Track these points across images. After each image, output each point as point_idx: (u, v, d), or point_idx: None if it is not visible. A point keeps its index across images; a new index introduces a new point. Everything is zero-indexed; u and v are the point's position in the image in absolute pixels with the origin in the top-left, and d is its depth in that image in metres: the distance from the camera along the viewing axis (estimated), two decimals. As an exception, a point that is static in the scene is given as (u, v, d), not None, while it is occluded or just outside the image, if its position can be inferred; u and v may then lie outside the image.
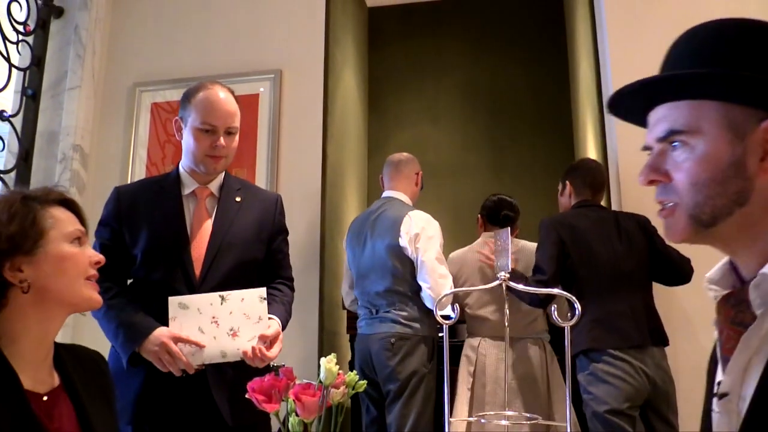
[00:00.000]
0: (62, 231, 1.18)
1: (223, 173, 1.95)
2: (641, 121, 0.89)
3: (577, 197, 2.64)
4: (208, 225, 1.84)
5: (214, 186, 1.92)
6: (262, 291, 1.73)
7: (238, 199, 1.91)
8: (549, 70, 4.80)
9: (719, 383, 0.81)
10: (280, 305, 1.87)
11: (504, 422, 1.44)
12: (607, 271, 2.38)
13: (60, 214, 1.21)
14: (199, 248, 1.81)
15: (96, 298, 1.23)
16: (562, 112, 4.65)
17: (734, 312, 0.80)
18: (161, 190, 1.89)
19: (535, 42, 4.91)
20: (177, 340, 1.65)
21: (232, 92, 1.92)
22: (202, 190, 1.90)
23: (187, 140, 1.87)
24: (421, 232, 2.71)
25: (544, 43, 4.88)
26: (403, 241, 2.72)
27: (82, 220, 1.27)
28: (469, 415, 2.64)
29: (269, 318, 1.74)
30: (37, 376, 1.16)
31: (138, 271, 1.82)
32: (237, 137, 1.91)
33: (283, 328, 1.81)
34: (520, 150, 4.74)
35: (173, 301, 1.69)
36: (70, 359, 1.26)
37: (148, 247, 1.80)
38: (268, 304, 1.76)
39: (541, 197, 4.35)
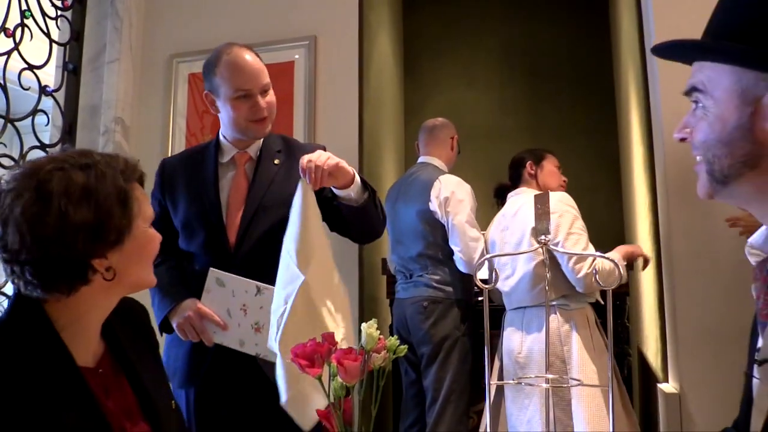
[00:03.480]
0: (145, 214, 1.13)
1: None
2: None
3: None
4: (246, 190, 1.83)
5: (253, 150, 1.88)
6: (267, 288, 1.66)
7: (276, 161, 1.86)
8: (588, 28, 4.66)
9: (759, 349, 0.81)
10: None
11: (545, 385, 1.44)
12: None
13: (140, 193, 1.14)
14: (234, 214, 1.79)
15: (153, 280, 1.19)
16: (603, 72, 4.53)
17: None
18: (201, 160, 1.90)
19: (574, 1, 4.78)
20: (203, 315, 1.67)
21: (252, 49, 1.86)
22: (240, 156, 1.88)
23: (226, 111, 1.83)
24: (450, 196, 2.72)
25: (584, 3, 4.74)
26: (433, 206, 2.74)
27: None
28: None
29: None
30: (89, 350, 1.13)
31: (181, 241, 1.85)
32: (272, 92, 1.86)
33: (365, 188, 1.71)
34: (558, 112, 4.65)
35: (213, 274, 1.70)
36: (115, 319, 1.20)
37: (185, 217, 1.82)
38: None
39: (581, 160, 4.27)
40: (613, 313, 1.45)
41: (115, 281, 1.07)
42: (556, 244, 2.35)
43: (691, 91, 0.88)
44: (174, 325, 1.71)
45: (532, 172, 2.72)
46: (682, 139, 0.91)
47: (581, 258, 2.32)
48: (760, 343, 0.81)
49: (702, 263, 2.34)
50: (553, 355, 2.31)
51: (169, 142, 3.18)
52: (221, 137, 1.91)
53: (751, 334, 0.90)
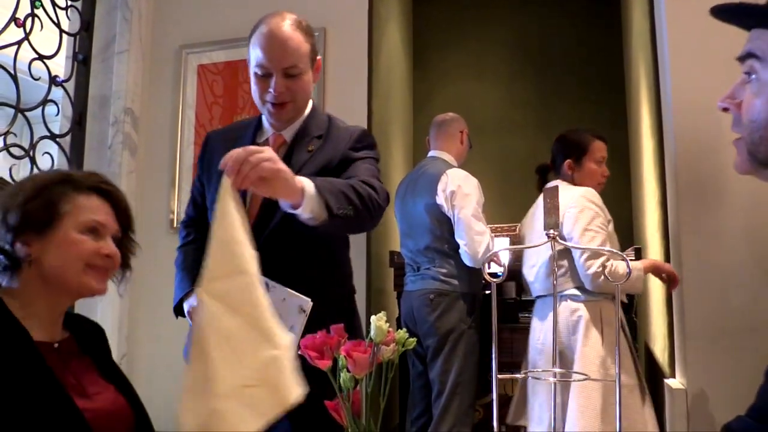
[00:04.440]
0: (77, 218, 1.22)
1: (306, 115, 1.72)
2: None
3: None
4: None
5: (289, 134, 1.71)
6: (306, 302, 1.54)
7: (310, 148, 1.67)
8: (599, 20, 4.63)
9: None
10: (332, 180, 1.47)
11: (551, 379, 1.44)
12: None
13: (86, 201, 1.25)
14: (256, 202, 1.65)
15: (95, 288, 1.25)
16: (613, 65, 4.50)
17: None
18: (241, 137, 1.75)
19: (585, -8, 4.74)
20: None
21: (301, 22, 1.66)
22: (275, 138, 1.72)
23: (251, 84, 1.67)
24: (457, 190, 2.72)
25: (594, -7, 4.70)
26: (440, 199, 2.75)
27: (118, 211, 1.30)
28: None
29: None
30: (48, 330, 1.24)
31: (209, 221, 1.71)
32: (304, 77, 1.65)
33: (326, 198, 1.38)
34: (569, 106, 4.62)
35: None
36: (76, 322, 1.35)
37: (212, 198, 1.70)
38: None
39: (591, 153, 4.24)
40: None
41: (43, 274, 1.20)
42: (572, 238, 2.37)
43: (746, 57, 0.80)
44: (185, 311, 1.67)
45: (569, 172, 2.64)
46: (725, 109, 0.84)
47: (594, 254, 2.31)
48: None
49: (711, 258, 2.33)
50: (561, 344, 2.34)
51: (178, 133, 3.19)
52: (263, 115, 1.77)
53: None
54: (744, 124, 0.80)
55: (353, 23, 3.09)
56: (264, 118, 1.76)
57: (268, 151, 1.26)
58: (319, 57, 1.74)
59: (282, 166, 1.28)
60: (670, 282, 2.41)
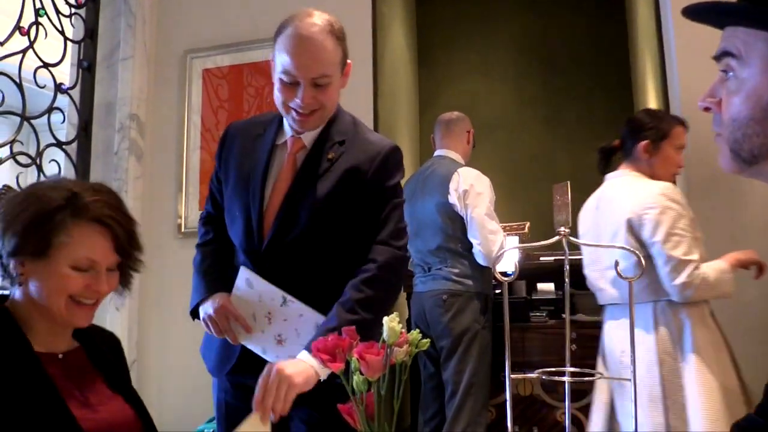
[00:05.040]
0: (72, 254, 1.19)
1: (330, 119, 1.62)
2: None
3: None
4: (287, 186, 1.58)
5: (309, 138, 1.60)
6: (322, 319, 1.48)
7: (331, 155, 1.56)
8: (605, 18, 4.61)
9: None
10: (339, 318, 1.42)
11: (565, 379, 1.42)
12: None
13: (85, 235, 1.21)
14: (272, 210, 1.57)
15: (75, 323, 1.25)
16: (620, 61, 4.48)
17: None
18: (262, 134, 1.66)
19: (590, -12, 4.72)
20: (229, 314, 1.57)
21: (333, 25, 1.53)
22: (294, 142, 1.61)
23: (275, 87, 1.56)
24: (470, 189, 2.71)
25: (599, -11, 4.68)
26: (452, 198, 2.73)
27: (120, 240, 1.24)
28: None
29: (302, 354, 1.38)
30: (52, 341, 1.24)
31: (226, 225, 1.69)
32: (333, 86, 1.54)
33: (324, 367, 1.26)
34: (576, 103, 4.60)
35: (243, 273, 1.58)
36: (90, 333, 1.35)
37: (229, 200, 1.66)
38: (335, 308, 1.46)
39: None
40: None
41: (32, 295, 1.20)
42: (653, 245, 2.06)
43: (722, 55, 0.80)
44: (201, 318, 1.63)
45: (645, 156, 2.25)
46: (706, 109, 0.83)
47: (680, 263, 2.01)
48: None
49: (724, 253, 2.30)
50: (663, 353, 2.04)
51: (184, 138, 3.19)
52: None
53: None
54: (725, 122, 0.79)
55: (357, 24, 3.08)
56: (285, 119, 1.65)
57: (280, 382, 1.28)
58: (349, 61, 1.63)
59: (300, 381, 1.30)
60: (761, 271, 2.15)
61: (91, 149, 3.10)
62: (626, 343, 2.05)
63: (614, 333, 2.20)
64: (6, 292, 1.27)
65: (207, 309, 1.61)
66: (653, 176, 2.23)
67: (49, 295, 1.20)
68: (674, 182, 2.24)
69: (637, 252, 1.43)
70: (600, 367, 2.25)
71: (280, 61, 1.50)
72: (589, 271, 2.33)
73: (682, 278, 2.00)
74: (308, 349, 1.34)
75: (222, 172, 1.70)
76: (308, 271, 1.57)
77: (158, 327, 3.03)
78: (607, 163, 2.41)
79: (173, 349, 2.94)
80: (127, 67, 3.15)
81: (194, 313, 1.68)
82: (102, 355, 1.34)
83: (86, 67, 3.14)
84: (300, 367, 1.32)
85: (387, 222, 1.56)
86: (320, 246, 1.55)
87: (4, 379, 1.11)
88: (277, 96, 1.55)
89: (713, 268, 2.03)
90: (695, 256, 2.02)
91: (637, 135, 2.29)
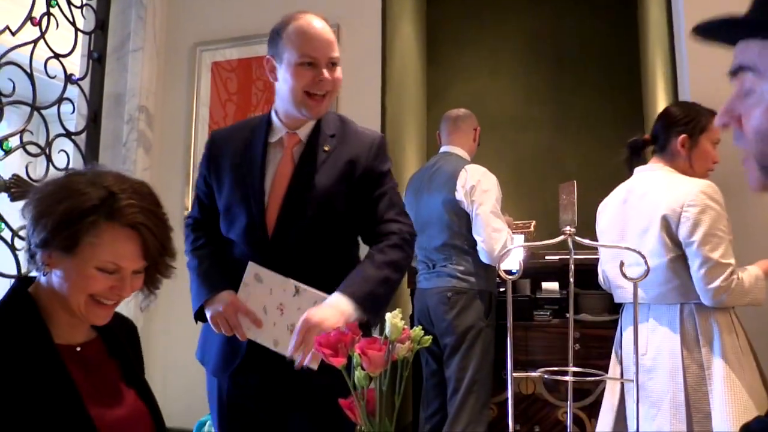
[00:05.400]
0: (97, 256, 1.17)
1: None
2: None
3: None
4: (289, 177, 1.67)
5: (304, 133, 1.71)
6: None
7: (326, 147, 1.68)
8: (616, 16, 4.59)
9: None
10: (366, 273, 1.57)
11: (567, 378, 1.42)
12: None
13: (112, 238, 1.18)
14: (275, 203, 1.66)
15: (92, 321, 1.24)
16: (630, 60, 4.46)
17: None
18: (250, 137, 1.75)
19: (601, -13, 4.70)
20: (238, 310, 1.60)
21: (325, 19, 1.71)
22: (290, 138, 1.71)
23: (285, 80, 1.66)
24: (477, 185, 2.70)
25: (610, -13, 4.66)
26: (459, 195, 2.72)
27: (151, 245, 1.23)
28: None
29: (331, 300, 1.51)
30: (72, 332, 1.24)
31: (222, 226, 1.74)
32: (340, 69, 1.70)
33: (367, 307, 1.50)
34: (584, 101, 4.59)
35: (252, 268, 1.61)
36: (113, 324, 1.33)
37: (228, 201, 1.71)
38: (359, 266, 1.59)
39: (607, 150, 4.20)
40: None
41: (58, 285, 1.19)
42: (690, 244, 1.96)
43: (738, 70, 0.78)
44: (208, 316, 1.64)
45: (682, 150, 2.13)
46: (725, 125, 0.80)
47: (718, 266, 1.92)
48: None
49: (735, 254, 2.27)
50: (689, 359, 1.97)
51: (192, 130, 3.20)
52: (273, 114, 1.76)
53: None
54: (748, 138, 0.77)
55: (367, 19, 3.08)
56: (275, 118, 1.75)
57: (319, 321, 1.42)
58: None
59: (328, 325, 1.40)
60: None
61: (100, 140, 3.12)
62: (648, 345, 2.03)
63: (632, 334, 2.03)
64: (34, 274, 1.27)
65: (215, 307, 1.62)
66: (689, 172, 2.13)
67: (71, 291, 1.19)
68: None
69: (641, 252, 1.42)
70: (614, 368, 2.20)
71: (295, 49, 1.63)
72: (609, 267, 2.24)
73: (717, 282, 1.91)
74: (342, 291, 1.50)
75: (213, 178, 1.75)
76: (315, 256, 1.64)
77: (164, 319, 3.05)
78: (637, 158, 2.30)
79: (178, 340, 2.96)
80: (136, 58, 3.16)
81: (198, 315, 1.69)
82: (119, 344, 1.34)
83: (96, 59, 3.15)
84: (327, 312, 1.45)
85: (392, 203, 1.69)
86: (326, 232, 1.65)
87: (25, 373, 1.11)
88: (292, 84, 1.64)
89: (749, 274, 1.95)
90: (732, 260, 1.94)
91: (672, 129, 2.16)
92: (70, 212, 1.16)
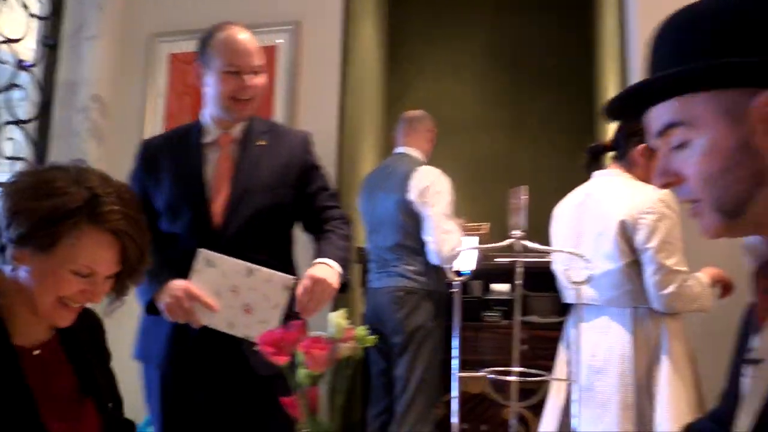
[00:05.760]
0: (73, 258, 1.13)
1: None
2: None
3: None
4: (230, 172, 1.80)
5: (237, 131, 1.86)
6: (290, 280, 1.64)
7: (262, 142, 1.85)
8: (573, 27, 4.69)
9: (751, 349, 0.81)
10: (335, 243, 1.77)
11: (512, 378, 1.46)
12: None
13: (91, 242, 1.14)
14: (220, 197, 1.77)
15: (57, 323, 1.19)
16: (585, 71, 4.56)
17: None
18: (184, 140, 1.87)
19: (559, -4, 4.80)
20: (191, 296, 1.62)
21: (250, 30, 1.86)
22: (224, 137, 1.84)
23: (212, 86, 1.81)
24: (429, 187, 2.73)
25: (568, -3, 4.76)
26: (412, 196, 2.75)
27: (129, 251, 1.19)
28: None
29: (321, 263, 1.67)
30: (31, 331, 1.19)
31: (162, 224, 1.80)
32: (264, 76, 1.85)
33: (344, 267, 1.71)
34: (540, 107, 4.68)
35: (202, 254, 1.65)
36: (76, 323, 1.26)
37: (169, 200, 1.79)
38: (323, 241, 1.77)
39: (560, 156, 4.30)
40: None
41: (20, 286, 1.14)
42: (646, 251, 2.00)
43: (666, 129, 0.80)
44: (161, 306, 1.65)
45: (641, 160, 2.15)
46: (666, 185, 0.83)
47: (671, 273, 1.96)
48: (756, 343, 0.82)
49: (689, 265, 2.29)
50: (639, 362, 2.00)
51: (147, 122, 3.15)
52: (204, 117, 1.88)
53: (741, 330, 0.90)
54: (697, 188, 0.79)
55: (328, 18, 3.08)
56: (206, 121, 1.87)
57: (326, 290, 1.61)
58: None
59: (335, 281, 1.65)
60: (725, 291, 2.14)
61: (51, 129, 3.05)
62: (598, 347, 2.07)
63: (586, 335, 2.12)
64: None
65: (169, 295, 1.64)
66: (647, 180, 2.14)
67: (39, 291, 1.14)
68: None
69: (585, 257, 1.47)
70: (561, 367, 2.23)
71: (222, 58, 1.78)
72: (559, 268, 2.28)
73: (670, 288, 1.96)
74: (327, 256, 1.69)
75: (151, 181, 1.84)
76: (261, 246, 1.76)
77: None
78: (596, 163, 2.33)
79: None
80: (92, 46, 3.10)
81: (149, 308, 1.69)
82: (78, 347, 1.28)
83: (50, 45, 3.08)
84: (327, 271, 1.64)
85: (331, 194, 1.92)
86: (271, 221, 1.80)
87: None
88: (219, 89, 1.79)
89: (698, 281, 2.00)
90: (685, 268, 1.98)
91: (632, 138, 2.18)
92: (53, 211, 1.11)
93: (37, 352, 1.19)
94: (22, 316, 1.17)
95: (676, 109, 0.79)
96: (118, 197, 1.18)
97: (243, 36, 1.81)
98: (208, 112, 1.87)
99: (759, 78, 0.74)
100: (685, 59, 0.77)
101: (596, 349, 2.06)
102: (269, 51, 3.06)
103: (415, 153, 2.96)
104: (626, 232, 2.02)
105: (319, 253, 1.72)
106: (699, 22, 0.78)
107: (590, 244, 2.11)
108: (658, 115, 0.82)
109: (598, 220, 2.13)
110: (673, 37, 0.81)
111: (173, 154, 1.85)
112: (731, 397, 0.86)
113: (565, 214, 2.29)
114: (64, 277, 1.14)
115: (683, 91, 0.78)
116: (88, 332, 1.33)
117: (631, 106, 0.86)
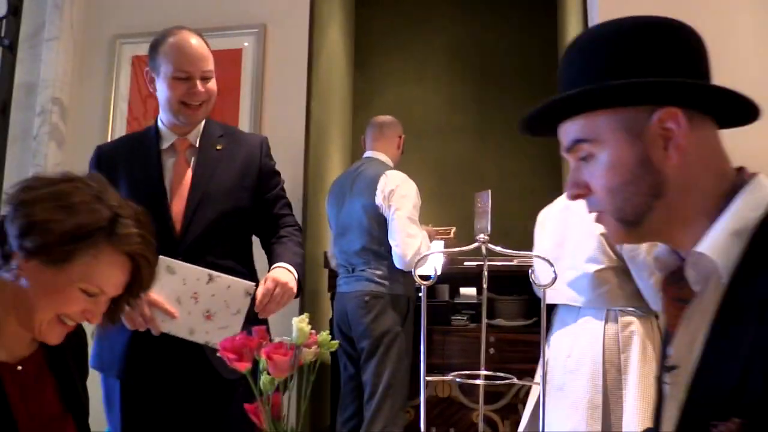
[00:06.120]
0: (86, 277, 1.08)
1: (204, 121, 1.88)
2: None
3: None
4: (188, 177, 1.79)
5: (193, 136, 1.85)
6: (251, 286, 1.64)
7: (219, 147, 1.84)
8: (538, 32, 4.75)
9: (667, 356, 0.84)
10: (292, 249, 1.79)
11: (479, 381, 1.46)
12: None
13: (108, 263, 1.10)
14: (179, 202, 1.76)
15: (47, 338, 1.12)
16: (550, 76, 4.62)
17: (676, 289, 0.85)
18: (140, 146, 1.85)
19: (524, 2, 4.85)
20: (151, 303, 1.59)
21: (201, 36, 1.85)
22: (181, 142, 1.84)
23: (162, 91, 1.80)
24: (395, 190, 2.73)
25: (533, 4, 4.82)
26: (378, 200, 2.75)
27: (138, 276, 1.15)
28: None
29: (281, 267, 1.68)
30: (15, 346, 1.14)
31: None
32: (214, 81, 1.83)
33: (299, 273, 1.72)
34: (506, 112, 4.71)
35: (162, 261, 1.58)
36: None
37: None
38: (280, 246, 1.78)
39: (526, 160, 4.35)
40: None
41: (19, 295, 1.07)
42: (637, 255, 2.02)
43: (573, 145, 0.86)
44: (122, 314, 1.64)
45: None
46: (577, 197, 0.90)
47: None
48: (670, 351, 0.85)
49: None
50: (608, 363, 2.04)
51: (109, 125, 3.09)
52: (159, 123, 1.87)
53: (663, 341, 0.93)
54: (602, 199, 0.85)
55: (294, 21, 3.07)
56: (162, 126, 1.85)
57: (283, 290, 1.62)
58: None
59: (293, 286, 1.65)
60: None
61: (9, 132, 2.97)
62: (573, 348, 2.10)
63: (561, 336, 2.16)
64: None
65: None
66: None
67: (41, 305, 1.07)
68: None
69: (550, 261, 1.47)
70: (539, 370, 2.16)
71: (171, 64, 1.76)
72: (539, 269, 2.24)
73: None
74: (286, 262, 1.70)
75: None
76: (221, 251, 1.76)
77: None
78: None
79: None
80: (51, 48, 3.03)
81: None
82: (62, 360, 1.23)
83: (7, 46, 3.00)
84: (287, 275, 1.66)
85: (286, 202, 1.93)
86: (231, 225, 1.80)
87: None
88: (168, 95, 1.78)
89: None
90: None
91: None
92: (78, 228, 1.06)
93: (20, 367, 1.13)
94: (9, 327, 1.11)
95: (582, 126, 0.85)
96: (136, 220, 1.15)
97: (193, 41, 1.79)
98: (162, 118, 1.86)
99: (656, 96, 0.80)
100: (589, 79, 0.83)
101: (572, 350, 2.10)
102: (235, 54, 3.03)
103: (383, 157, 2.96)
104: None
105: (278, 258, 1.73)
106: (602, 44, 0.84)
107: (573, 248, 2.14)
108: (566, 132, 0.88)
109: (583, 224, 2.14)
110: (578, 58, 0.87)
111: (130, 160, 1.82)
112: (658, 404, 0.89)
113: (550, 218, 2.33)
114: (71, 294, 1.09)
115: (587, 109, 0.84)
116: (74, 348, 1.28)
117: (544, 122, 0.92)
